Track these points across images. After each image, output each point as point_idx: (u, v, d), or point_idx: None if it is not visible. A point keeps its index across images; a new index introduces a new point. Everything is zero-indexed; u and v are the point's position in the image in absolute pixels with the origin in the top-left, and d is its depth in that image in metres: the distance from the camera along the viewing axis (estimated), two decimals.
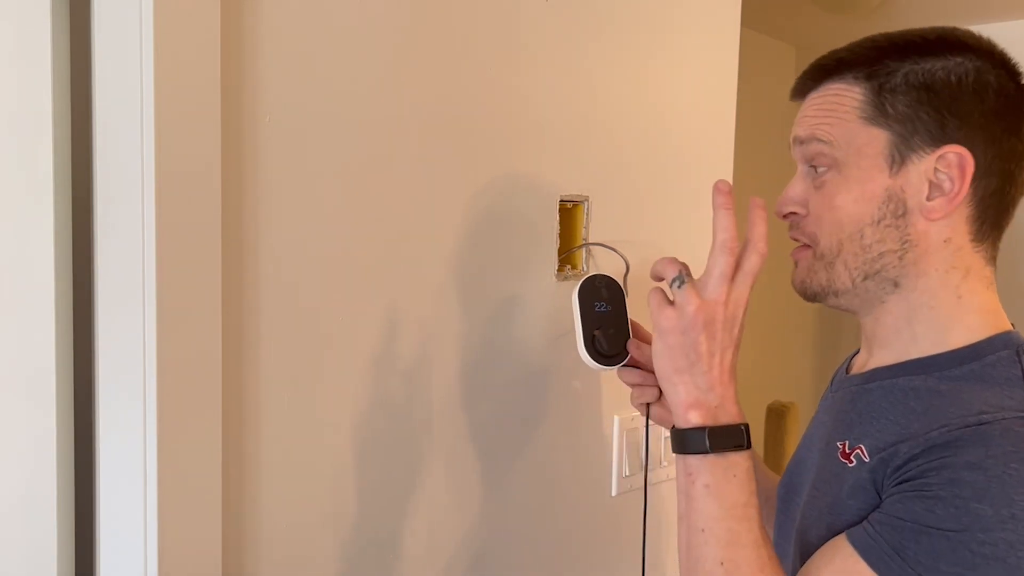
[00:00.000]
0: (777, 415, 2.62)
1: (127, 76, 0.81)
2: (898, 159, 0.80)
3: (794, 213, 0.87)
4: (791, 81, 0.91)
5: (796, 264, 0.89)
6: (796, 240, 0.88)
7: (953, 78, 0.80)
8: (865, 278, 0.83)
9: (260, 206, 0.90)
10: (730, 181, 1.46)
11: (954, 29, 0.82)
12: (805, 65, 0.89)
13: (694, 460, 0.79)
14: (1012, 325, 0.84)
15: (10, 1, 0.85)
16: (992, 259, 0.83)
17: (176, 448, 0.84)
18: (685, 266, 0.85)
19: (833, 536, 0.78)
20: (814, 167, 0.86)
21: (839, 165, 0.83)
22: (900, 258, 0.81)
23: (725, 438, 0.79)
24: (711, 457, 0.79)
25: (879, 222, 0.81)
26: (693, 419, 0.80)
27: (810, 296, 0.88)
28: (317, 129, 0.94)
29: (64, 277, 0.87)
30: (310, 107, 0.93)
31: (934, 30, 0.82)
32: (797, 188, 0.87)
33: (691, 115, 1.38)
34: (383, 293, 1.01)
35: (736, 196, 1.54)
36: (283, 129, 0.91)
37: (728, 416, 0.81)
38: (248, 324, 0.90)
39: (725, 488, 0.78)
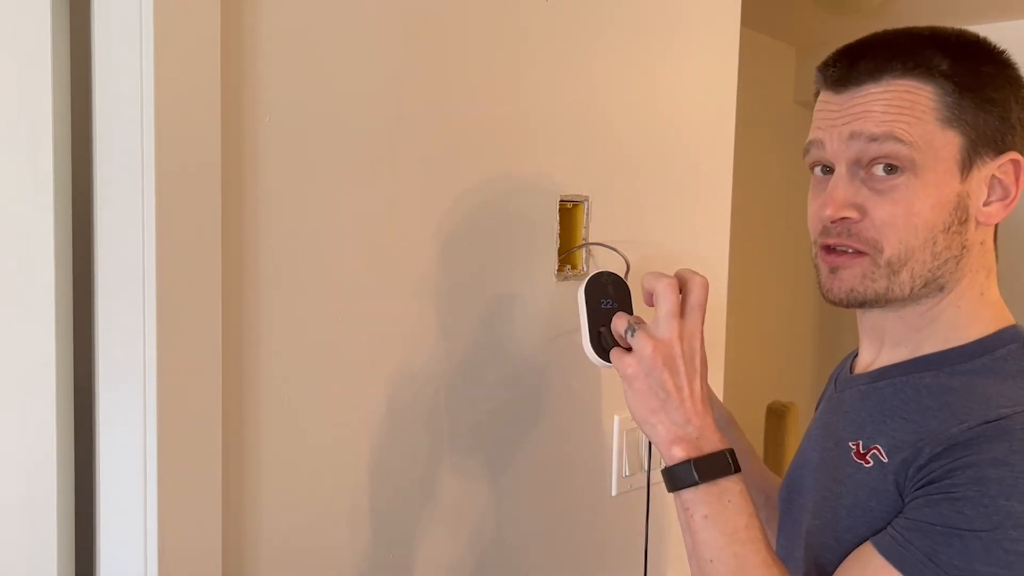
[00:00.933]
0: (777, 415, 2.62)
1: (127, 76, 0.81)
2: (967, 164, 0.79)
3: (847, 218, 0.82)
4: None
5: (835, 271, 0.84)
6: (842, 246, 0.83)
7: (1008, 85, 0.80)
8: (925, 284, 0.81)
9: (260, 206, 0.90)
10: (728, 184, 1.46)
11: (974, 33, 0.83)
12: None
13: (688, 494, 0.81)
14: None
15: (10, 1, 0.85)
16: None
17: (176, 448, 0.84)
18: (635, 317, 0.89)
19: (854, 538, 0.78)
20: (876, 167, 0.80)
21: (916, 168, 0.79)
22: (957, 264, 0.81)
23: (712, 466, 0.81)
24: (703, 487, 0.80)
25: (948, 229, 0.79)
26: (677, 454, 0.82)
27: (856, 303, 0.84)
28: (317, 129, 0.94)
29: (64, 276, 0.87)
30: (310, 107, 0.93)
31: (974, 33, 0.83)
32: (848, 190, 0.81)
33: (691, 115, 1.38)
34: (383, 292, 1.01)
35: (736, 195, 1.54)
36: (283, 129, 0.91)
37: (711, 444, 0.82)
38: (248, 324, 0.90)
39: (723, 515, 0.80)
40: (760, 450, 2.70)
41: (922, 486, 0.73)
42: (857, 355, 0.93)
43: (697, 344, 0.85)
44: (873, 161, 0.80)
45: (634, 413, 0.85)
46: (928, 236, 0.79)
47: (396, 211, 1.01)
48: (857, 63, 0.81)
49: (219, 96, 0.84)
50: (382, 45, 0.99)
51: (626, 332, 0.88)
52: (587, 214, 1.22)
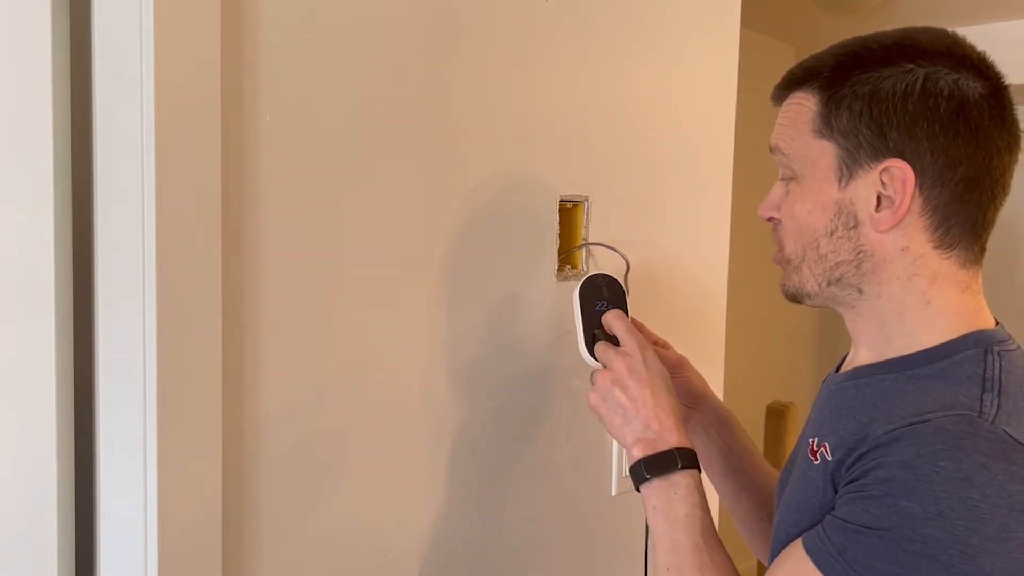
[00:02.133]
0: (777, 415, 2.62)
1: (127, 76, 0.81)
2: (846, 173, 0.81)
3: (772, 217, 0.89)
4: None
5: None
6: (776, 244, 0.90)
7: (899, 87, 0.78)
8: (829, 284, 0.85)
9: (260, 206, 0.90)
10: (728, 184, 1.46)
11: (920, 32, 0.81)
12: None
13: (644, 489, 0.90)
14: (997, 323, 0.83)
15: (10, 1, 0.85)
16: (970, 262, 0.82)
17: (176, 448, 0.84)
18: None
19: (799, 532, 0.80)
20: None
21: (797, 177, 0.85)
22: (857, 267, 0.83)
23: (659, 463, 0.89)
24: (655, 482, 0.89)
25: (832, 234, 0.83)
26: (636, 454, 0.91)
27: (789, 297, 0.90)
28: (317, 129, 0.94)
29: (64, 276, 0.87)
30: (310, 107, 0.93)
31: (897, 34, 0.81)
32: (776, 193, 0.88)
33: (691, 115, 1.38)
34: (383, 293, 1.01)
35: (736, 195, 1.54)
36: (283, 129, 0.91)
37: (666, 444, 0.91)
38: (248, 323, 0.90)
39: (668, 505, 0.88)
40: (760, 450, 2.70)
41: (845, 484, 0.76)
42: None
43: (637, 363, 0.95)
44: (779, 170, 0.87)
45: (612, 436, 0.96)
46: (811, 239, 0.84)
47: (396, 211, 1.01)
48: (780, 81, 0.87)
49: (219, 96, 0.84)
50: (382, 45, 0.99)
51: (592, 377, 0.99)
52: (587, 214, 1.22)
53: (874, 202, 0.80)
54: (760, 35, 2.68)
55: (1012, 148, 0.81)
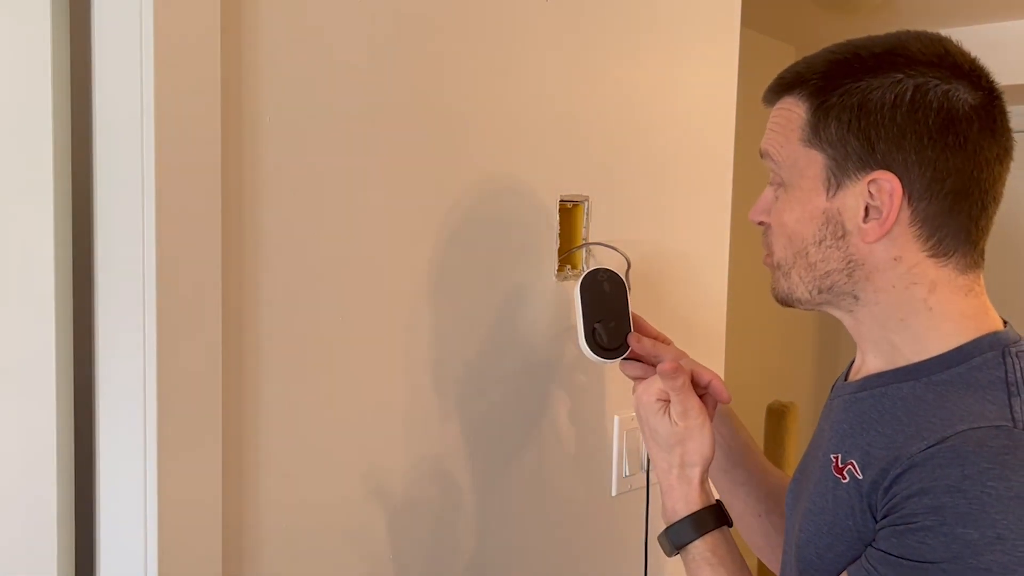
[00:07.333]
0: (777, 415, 2.62)
1: (127, 76, 0.81)
2: (834, 183, 0.80)
3: (763, 222, 0.88)
4: None
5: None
6: (765, 249, 0.90)
7: (888, 98, 0.77)
8: (820, 291, 0.84)
9: (260, 206, 0.90)
10: (728, 183, 1.46)
11: (913, 39, 0.80)
12: None
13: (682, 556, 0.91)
14: (1005, 323, 0.82)
15: (10, 1, 0.85)
16: (969, 267, 0.81)
17: (176, 448, 0.84)
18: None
19: (834, 556, 0.79)
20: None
21: (785, 184, 0.84)
22: (848, 276, 0.82)
23: (679, 535, 0.90)
24: (685, 551, 0.90)
25: (820, 243, 0.82)
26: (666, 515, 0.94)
27: (780, 301, 0.89)
28: (318, 129, 0.94)
29: (64, 277, 0.87)
30: (310, 107, 0.93)
31: (889, 41, 0.80)
32: (766, 198, 0.88)
33: (691, 115, 1.38)
34: (382, 293, 1.01)
35: (736, 195, 1.54)
36: (283, 129, 0.91)
37: (674, 514, 0.91)
38: (248, 323, 0.90)
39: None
40: (760, 449, 2.69)
41: (887, 514, 0.74)
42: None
43: (643, 423, 0.95)
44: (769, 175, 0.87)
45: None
46: (800, 247, 0.83)
47: (396, 211, 1.01)
48: (771, 85, 0.86)
49: (219, 96, 0.84)
50: (382, 45, 0.99)
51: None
52: (587, 214, 1.22)
53: (862, 213, 0.79)
54: (760, 35, 2.68)
55: (1003, 158, 0.80)
